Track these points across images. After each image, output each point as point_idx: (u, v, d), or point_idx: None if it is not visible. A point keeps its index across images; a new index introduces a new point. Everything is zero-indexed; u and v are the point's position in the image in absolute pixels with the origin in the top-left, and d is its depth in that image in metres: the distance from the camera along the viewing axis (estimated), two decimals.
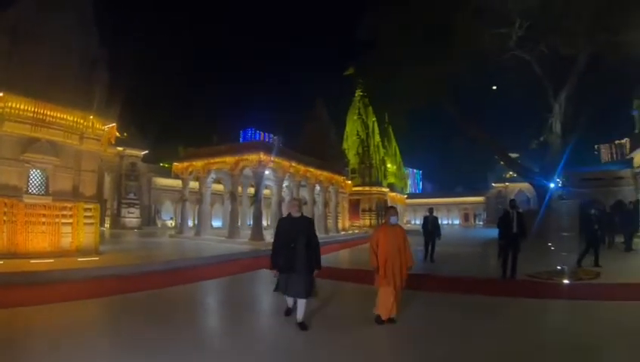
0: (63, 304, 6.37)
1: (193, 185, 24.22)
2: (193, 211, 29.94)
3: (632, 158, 26.34)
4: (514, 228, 8.97)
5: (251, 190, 25.11)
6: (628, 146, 32.14)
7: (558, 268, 9.19)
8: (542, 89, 23.08)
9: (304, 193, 25.49)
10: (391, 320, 5.20)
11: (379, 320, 5.19)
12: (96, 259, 10.88)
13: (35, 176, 10.93)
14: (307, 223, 5.35)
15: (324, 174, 26.38)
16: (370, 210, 38.99)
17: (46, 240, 10.64)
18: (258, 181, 19.49)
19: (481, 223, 54.80)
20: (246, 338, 4.87)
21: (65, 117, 11.35)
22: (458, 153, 75.47)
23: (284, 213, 5.60)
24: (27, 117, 10.64)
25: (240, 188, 23.17)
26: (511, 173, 44.79)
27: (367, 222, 38.37)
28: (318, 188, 26.42)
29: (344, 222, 33.04)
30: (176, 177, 21.97)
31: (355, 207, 38.15)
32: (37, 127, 10.80)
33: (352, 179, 35.98)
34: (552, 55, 21.16)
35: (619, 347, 4.43)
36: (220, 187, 27.10)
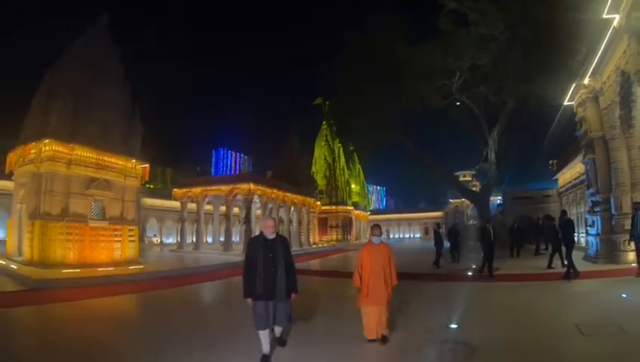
0: (131, 295, 9.81)
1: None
2: (177, 229, 33.06)
3: (557, 179, 29.77)
4: (492, 238, 11.69)
5: (235, 210, 29.09)
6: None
7: (473, 266, 13.71)
8: (480, 125, 27.28)
9: (282, 213, 29.81)
10: (384, 338, 5.08)
11: (369, 340, 5.10)
12: (141, 267, 14.63)
13: (95, 206, 14.53)
14: (284, 244, 4.87)
15: (298, 198, 30.94)
16: (336, 226, 43.96)
17: (104, 254, 14.33)
18: (248, 206, 23.65)
19: None
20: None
21: (116, 161, 15.13)
22: (421, 170, 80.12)
23: (256, 232, 4.92)
24: (90, 162, 14.32)
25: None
26: None
27: (334, 236, 43.28)
28: (292, 208, 30.82)
29: (314, 237, 37.57)
30: (175, 200, 25.53)
31: (323, 224, 42.82)
32: (97, 170, 14.50)
33: (320, 199, 40.55)
34: (486, 99, 25.37)
35: (453, 298, 8.62)
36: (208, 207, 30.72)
